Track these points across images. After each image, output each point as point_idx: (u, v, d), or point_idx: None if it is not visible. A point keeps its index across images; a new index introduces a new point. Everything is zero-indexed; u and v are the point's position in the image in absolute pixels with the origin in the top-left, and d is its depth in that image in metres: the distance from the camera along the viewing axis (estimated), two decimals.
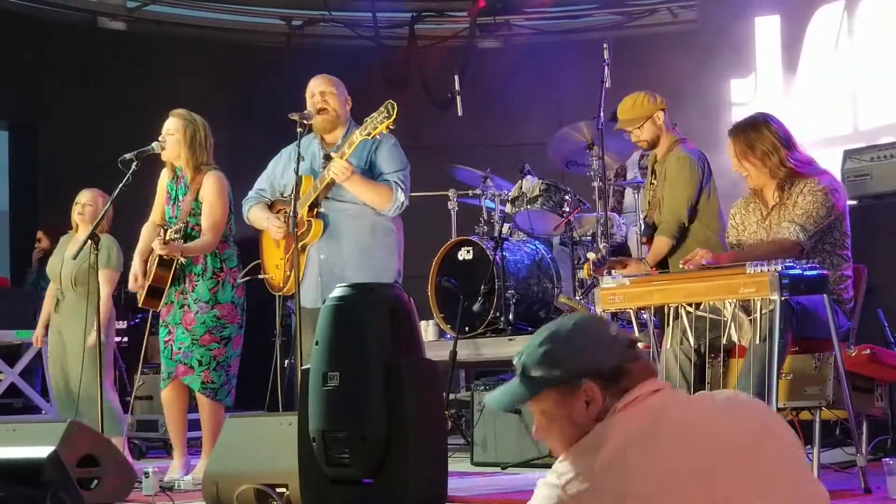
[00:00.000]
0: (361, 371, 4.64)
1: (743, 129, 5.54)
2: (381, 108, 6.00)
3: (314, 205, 6.31)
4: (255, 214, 6.57)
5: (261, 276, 6.61)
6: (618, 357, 2.58)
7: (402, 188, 6.28)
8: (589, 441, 2.53)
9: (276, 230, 6.39)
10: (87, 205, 7.80)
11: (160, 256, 6.63)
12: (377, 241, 6.36)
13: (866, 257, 5.93)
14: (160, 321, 6.79)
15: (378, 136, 6.13)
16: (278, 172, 6.57)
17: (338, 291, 4.89)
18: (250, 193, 6.66)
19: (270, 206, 6.59)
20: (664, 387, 2.62)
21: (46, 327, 8.04)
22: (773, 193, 5.48)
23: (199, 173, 6.70)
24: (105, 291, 7.44)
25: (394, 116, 5.96)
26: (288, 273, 6.38)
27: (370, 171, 6.30)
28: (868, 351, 5.41)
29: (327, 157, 6.35)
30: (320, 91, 6.43)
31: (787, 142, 5.47)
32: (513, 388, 2.65)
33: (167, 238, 6.52)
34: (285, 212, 6.37)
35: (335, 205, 6.32)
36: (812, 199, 5.36)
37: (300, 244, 6.29)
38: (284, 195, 6.51)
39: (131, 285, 6.83)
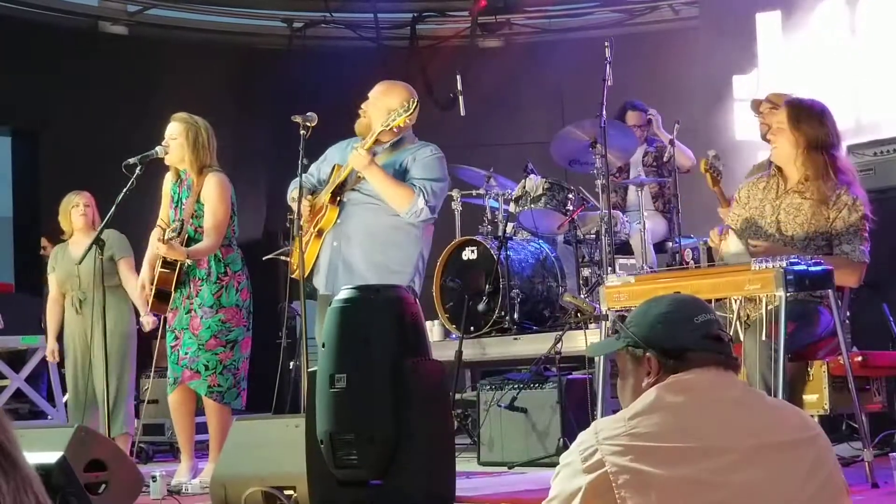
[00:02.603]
0: (368, 372, 4.65)
1: (809, 107, 5.52)
2: (403, 101, 6.03)
3: (337, 192, 6.25)
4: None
5: (283, 258, 6.61)
6: (683, 341, 2.70)
7: (425, 195, 6.09)
8: (634, 403, 2.68)
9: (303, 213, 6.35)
10: (87, 206, 7.85)
11: (164, 259, 6.63)
12: (394, 241, 6.22)
13: (870, 253, 5.92)
14: (167, 326, 6.80)
15: (400, 127, 6.09)
16: (327, 161, 6.50)
17: (344, 293, 4.90)
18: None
19: (313, 193, 6.49)
20: (718, 376, 2.70)
21: (56, 339, 8.06)
22: (800, 177, 5.44)
23: (202, 176, 6.71)
24: (132, 279, 7.50)
25: (412, 111, 5.98)
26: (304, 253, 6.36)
27: (402, 175, 6.22)
28: (860, 358, 5.43)
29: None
30: (368, 97, 6.38)
31: (839, 139, 5.48)
32: (607, 340, 2.82)
33: (165, 237, 6.53)
34: (312, 205, 6.34)
35: (357, 196, 6.24)
36: (858, 217, 5.37)
37: (317, 228, 6.27)
38: (321, 183, 6.47)
39: (139, 294, 6.86)
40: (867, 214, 5.39)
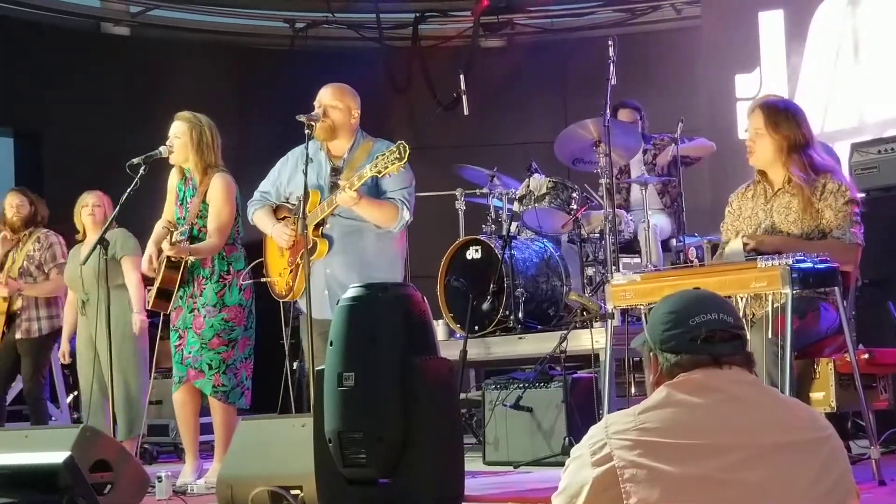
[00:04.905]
0: (376, 371, 4.65)
1: (785, 109, 5.52)
2: (394, 148, 5.97)
3: (319, 224, 6.31)
4: (260, 219, 6.57)
5: (263, 280, 6.62)
6: (675, 344, 2.71)
7: (407, 207, 6.26)
8: (646, 399, 2.70)
9: (286, 239, 6.38)
10: (96, 206, 7.84)
11: (168, 258, 6.63)
12: (380, 253, 6.36)
13: (874, 250, 5.92)
14: (170, 326, 6.79)
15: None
16: (284, 178, 6.55)
17: (352, 292, 4.89)
18: (255, 195, 6.65)
19: (275, 211, 6.58)
20: (728, 373, 2.71)
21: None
22: (784, 178, 5.45)
23: (207, 175, 6.70)
24: (134, 277, 7.52)
25: (405, 159, 5.94)
26: (291, 284, 6.39)
27: (376, 188, 6.29)
28: (866, 355, 5.43)
29: (334, 171, 6.36)
30: (323, 104, 6.41)
31: (813, 138, 5.49)
32: (640, 335, 2.87)
33: (173, 240, 6.54)
34: (293, 220, 6.37)
35: (340, 220, 6.32)
36: (844, 202, 5.34)
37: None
38: (290, 201, 6.50)
39: (145, 268, 6.80)
40: (855, 198, 5.39)
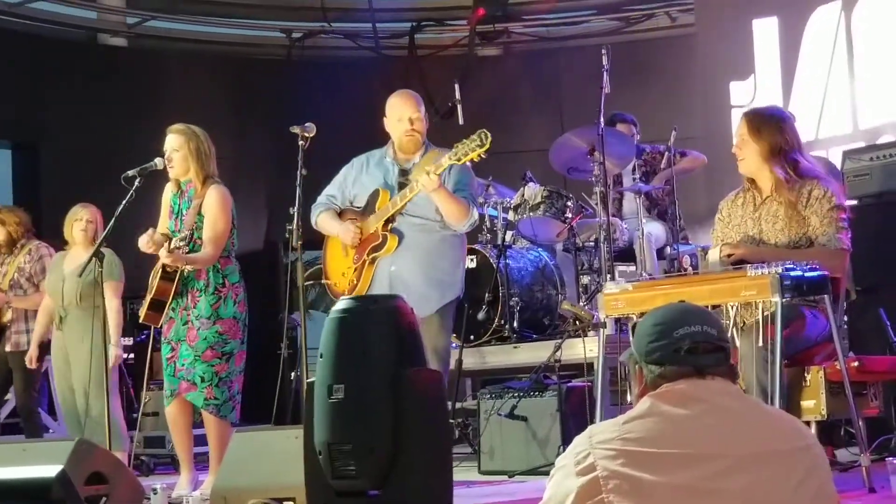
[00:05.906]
0: (366, 383, 4.65)
1: (768, 116, 5.57)
2: (474, 136, 6.04)
3: (389, 220, 6.35)
4: (325, 221, 6.64)
5: (324, 282, 6.66)
6: (660, 356, 2.74)
7: (475, 206, 6.41)
8: (631, 410, 2.73)
9: (353, 236, 6.44)
10: (90, 221, 7.83)
11: (163, 269, 6.62)
12: (445, 254, 6.46)
13: (866, 257, 5.93)
14: (162, 338, 6.77)
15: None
16: (349, 181, 6.62)
17: (341, 304, 4.91)
18: (320, 199, 6.70)
19: (340, 214, 6.61)
20: (711, 384, 2.73)
21: (40, 346, 8.06)
22: (771, 185, 5.48)
23: (205, 186, 6.69)
24: (114, 303, 7.49)
25: (487, 146, 5.99)
26: (355, 282, 6.44)
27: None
28: (856, 363, 5.45)
29: (403, 172, 6.41)
30: (410, 118, 6.46)
31: (799, 144, 5.53)
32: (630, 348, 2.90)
33: (171, 247, 6.53)
34: (359, 220, 6.48)
35: (408, 219, 6.39)
36: (830, 208, 5.37)
37: (371, 256, 6.41)
38: (354, 204, 6.57)
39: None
40: (841, 204, 5.41)
